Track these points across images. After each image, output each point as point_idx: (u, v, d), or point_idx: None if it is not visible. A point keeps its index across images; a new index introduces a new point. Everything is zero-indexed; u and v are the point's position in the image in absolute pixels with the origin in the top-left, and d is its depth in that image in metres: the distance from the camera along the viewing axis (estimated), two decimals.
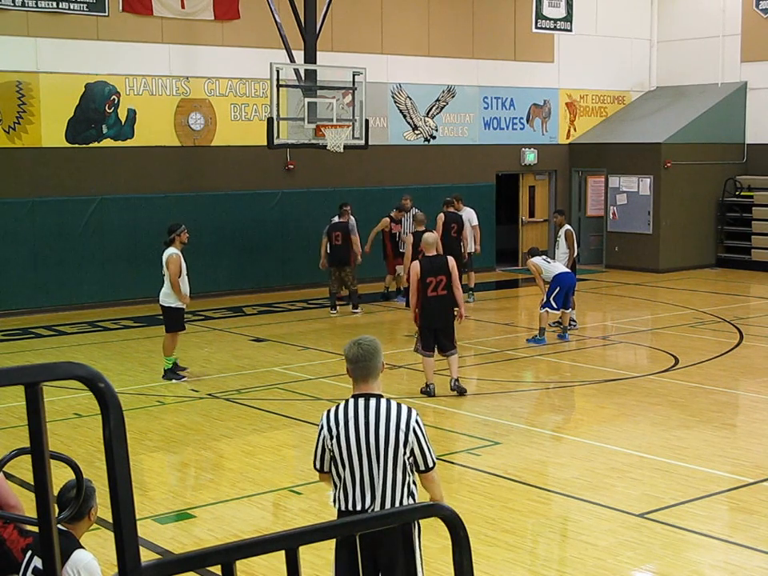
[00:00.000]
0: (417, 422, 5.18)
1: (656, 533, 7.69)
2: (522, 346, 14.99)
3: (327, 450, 5.21)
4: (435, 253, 11.79)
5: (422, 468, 5.20)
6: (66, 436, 10.23)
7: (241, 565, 1.75)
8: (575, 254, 16.21)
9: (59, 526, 4.67)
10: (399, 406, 5.23)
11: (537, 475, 9.19)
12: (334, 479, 5.24)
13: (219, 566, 1.71)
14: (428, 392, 11.86)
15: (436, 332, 11.76)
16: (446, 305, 11.67)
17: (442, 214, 17.56)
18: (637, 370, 13.55)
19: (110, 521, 1.60)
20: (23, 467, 6.95)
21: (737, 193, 23.59)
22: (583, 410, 11.84)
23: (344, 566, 5.15)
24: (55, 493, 4.15)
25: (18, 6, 17.11)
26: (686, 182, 22.88)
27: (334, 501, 5.28)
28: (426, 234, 12.12)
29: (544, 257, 15.60)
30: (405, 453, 5.13)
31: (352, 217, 17.92)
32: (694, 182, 22.99)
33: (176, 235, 12.80)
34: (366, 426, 5.14)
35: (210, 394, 12.23)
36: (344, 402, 5.28)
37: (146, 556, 1.86)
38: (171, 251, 12.76)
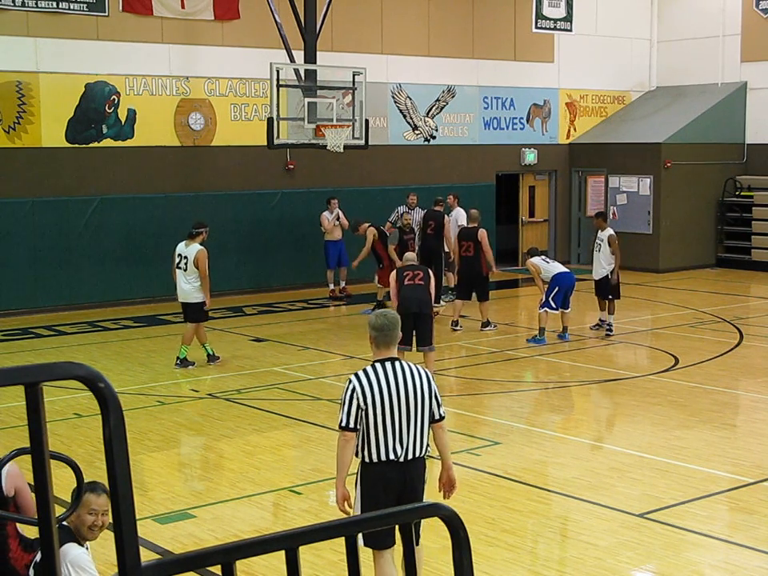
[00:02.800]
0: (432, 377, 6.11)
1: (656, 533, 7.69)
2: (522, 346, 14.99)
3: (360, 409, 5.86)
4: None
5: (437, 417, 6.03)
6: (65, 436, 10.23)
7: (241, 565, 1.75)
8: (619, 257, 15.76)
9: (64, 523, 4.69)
10: (415, 365, 6.10)
11: (537, 475, 9.19)
12: (363, 436, 5.90)
13: (219, 566, 1.71)
14: None
15: (415, 322, 11.84)
16: (421, 293, 11.87)
17: (422, 212, 18.03)
18: (637, 370, 13.55)
19: (110, 521, 1.60)
20: (23, 467, 6.94)
21: (737, 193, 23.59)
22: (583, 410, 11.85)
23: (371, 500, 5.91)
24: (57, 492, 4.15)
25: (18, 6, 17.11)
26: (686, 182, 22.88)
27: (363, 455, 5.94)
28: (407, 254, 13.23)
29: (543, 257, 15.60)
30: (430, 403, 5.96)
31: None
32: (694, 182, 22.99)
33: (204, 231, 13.29)
34: (396, 384, 5.90)
35: (210, 394, 12.23)
36: (370, 366, 6.00)
37: (146, 556, 1.86)
38: (199, 247, 13.14)
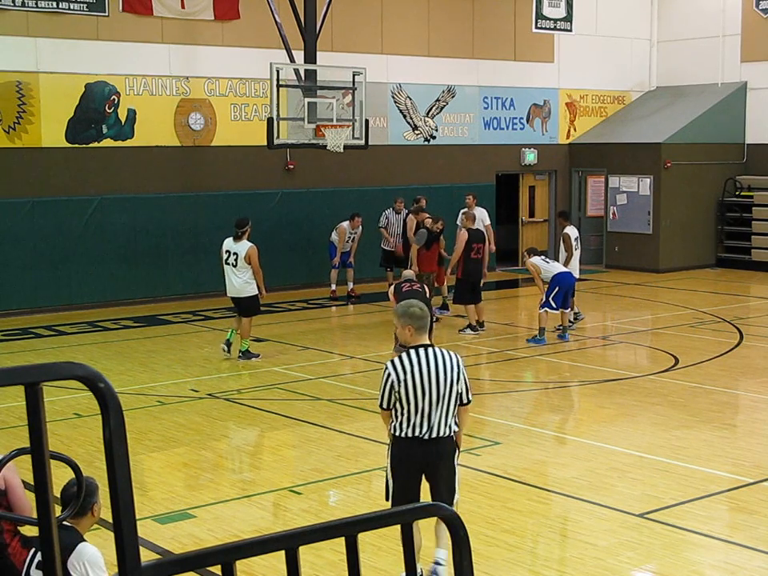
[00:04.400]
0: (462, 362, 6.53)
1: (656, 533, 7.69)
2: (522, 346, 14.99)
3: (394, 392, 6.35)
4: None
5: (464, 401, 6.53)
6: (65, 436, 10.23)
7: (241, 565, 1.74)
8: (571, 255, 16.16)
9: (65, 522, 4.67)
10: (447, 351, 6.54)
11: (537, 475, 9.19)
12: (396, 413, 6.41)
13: (219, 566, 1.71)
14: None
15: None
16: (421, 296, 11.87)
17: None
18: (637, 370, 13.55)
19: (110, 521, 1.60)
20: (23, 467, 6.94)
21: (737, 193, 23.59)
22: (583, 410, 11.85)
23: (402, 480, 6.45)
24: (56, 492, 4.15)
25: (18, 6, 17.10)
26: (686, 182, 22.88)
27: (394, 429, 6.44)
28: (405, 271, 13.83)
29: (543, 257, 15.60)
30: (458, 387, 6.42)
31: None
32: (694, 182, 22.99)
33: (249, 228, 13.72)
34: (427, 368, 6.35)
35: (209, 394, 12.23)
36: (405, 352, 6.42)
37: (146, 556, 1.86)
38: (249, 243, 13.64)
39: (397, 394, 6.38)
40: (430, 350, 6.46)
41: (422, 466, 6.46)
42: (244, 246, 13.60)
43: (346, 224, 18.88)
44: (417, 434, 6.40)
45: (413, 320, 6.44)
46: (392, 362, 6.47)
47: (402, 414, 6.42)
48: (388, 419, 6.55)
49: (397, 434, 6.47)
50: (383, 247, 19.05)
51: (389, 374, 6.43)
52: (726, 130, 23.58)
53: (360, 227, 18.89)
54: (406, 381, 6.36)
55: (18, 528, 5.55)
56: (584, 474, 9.10)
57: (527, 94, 23.56)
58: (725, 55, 23.93)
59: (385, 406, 6.51)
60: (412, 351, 6.44)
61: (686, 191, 22.89)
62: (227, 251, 13.75)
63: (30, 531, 5.44)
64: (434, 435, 6.41)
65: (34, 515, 1.66)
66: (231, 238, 13.79)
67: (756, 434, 10.41)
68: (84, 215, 18.01)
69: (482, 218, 18.59)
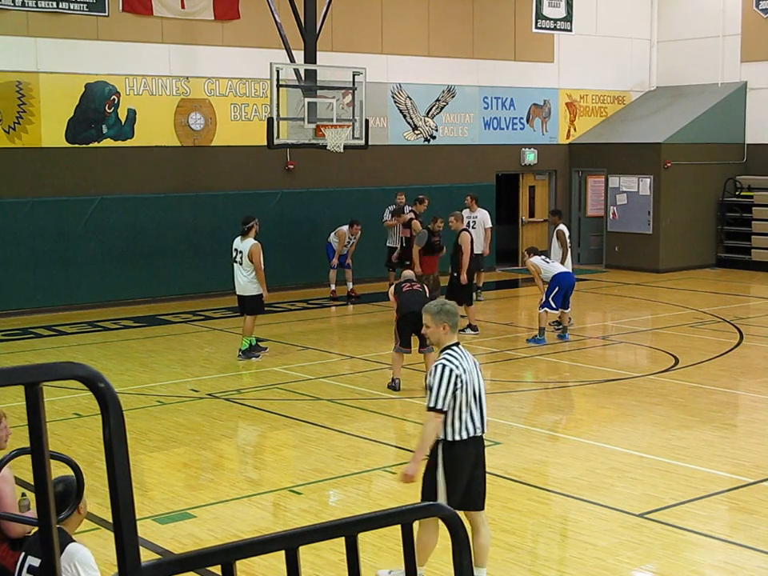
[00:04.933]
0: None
1: (656, 533, 7.69)
2: (522, 346, 14.99)
3: (457, 390, 6.25)
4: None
5: None
6: (65, 436, 10.23)
7: (241, 565, 1.74)
8: (567, 252, 16.16)
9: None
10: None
11: (537, 475, 9.19)
12: (454, 415, 6.28)
13: (219, 566, 1.71)
14: (393, 386, 12.23)
15: (414, 325, 11.66)
16: (421, 296, 12.01)
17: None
18: (637, 370, 13.55)
19: (110, 521, 1.60)
20: (23, 467, 6.94)
21: (737, 193, 23.59)
22: (583, 410, 11.84)
23: (460, 484, 6.37)
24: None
25: (18, 6, 17.10)
26: (686, 182, 22.88)
27: (450, 434, 6.29)
28: (405, 272, 13.30)
29: (543, 257, 15.59)
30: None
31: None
32: (694, 182, 22.99)
33: (254, 224, 13.74)
34: (473, 364, 6.48)
35: (209, 394, 12.23)
36: (450, 352, 6.37)
37: (146, 556, 1.86)
38: (253, 241, 13.66)
39: (459, 391, 6.28)
40: (462, 348, 6.50)
41: (473, 467, 6.45)
42: (248, 244, 13.68)
43: (345, 228, 18.88)
44: (475, 432, 6.38)
45: (448, 317, 6.44)
46: (447, 359, 6.35)
47: (464, 414, 6.33)
48: (440, 424, 6.32)
49: (455, 438, 6.35)
50: (389, 245, 19.02)
51: (451, 371, 6.29)
52: (726, 129, 23.58)
53: (359, 233, 18.92)
54: (465, 376, 6.31)
55: (6, 532, 5.55)
56: (584, 474, 9.10)
57: (527, 93, 23.56)
58: (725, 55, 23.93)
59: (443, 407, 6.29)
60: (456, 347, 6.43)
61: (686, 191, 22.90)
62: (235, 249, 13.90)
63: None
64: (486, 431, 6.51)
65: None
66: (239, 237, 13.92)
67: (756, 434, 10.41)
68: (84, 215, 18.01)
69: (484, 219, 18.60)
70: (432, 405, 6.28)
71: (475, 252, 16.13)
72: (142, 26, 18.46)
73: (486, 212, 18.88)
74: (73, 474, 4.93)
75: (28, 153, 17.56)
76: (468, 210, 18.40)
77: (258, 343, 14.28)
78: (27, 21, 17.31)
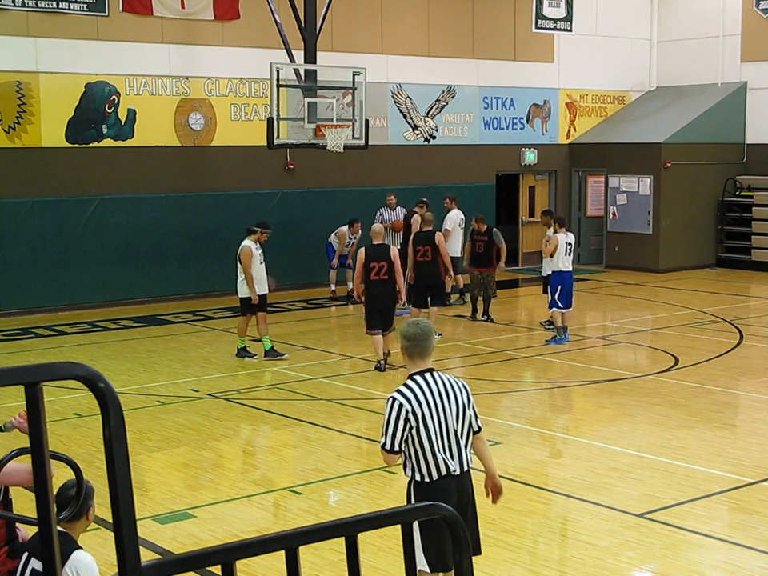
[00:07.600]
0: (469, 389, 5.79)
1: (656, 533, 7.69)
2: (522, 346, 14.99)
3: (410, 427, 5.50)
4: (381, 242, 13.39)
5: (476, 429, 5.75)
6: (65, 436, 10.23)
7: (241, 565, 1.75)
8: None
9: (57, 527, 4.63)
10: (448, 375, 5.77)
11: (537, 475, 9.18)
12: (415, 454, 5.55)
13: (219, 566, 1.71)
14: (379, 367, 13.11)
15: (381, 312, 13.19)
16: (387, 288, 13.07)
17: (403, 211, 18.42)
18: (637, 370, 13.55)
19: (110, 521, 1.60)
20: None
21: (737, 193, 23.59)
22: (583, 410, 11.84)
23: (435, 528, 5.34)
24: (55, 492, 4.14)
25: (18, 6, 17.10)
26: (686, 182, 22.88)
27: (415, 475, 5.60)
28: (374, 225, 13.92)
29: (567, 244, 15.17)
30: (469, 415, 5.67)
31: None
32: (693, 182, 22.99)
33: (260, 231, 13.95)
34: (440, 396, 5.57)
35: (209, 394, 12.23)
36: (408, 382, 5.62)
37: (146, 556, 1.86)
38: (244, 244, 13.89)
39: (414, 429, 5.52)
40: (435, 374, 5.67)
41: (457, 506, 5.42)
42: (241, 246, 13.91)
43: (345, 228, 18.86)
44: (451, 470, 5.60)
45: (408, 341, 5.66)
46: (398, 391, 5.60)
47: (428, 452, 5.55)
48: (393, 464, 5.70)
49: (427, 479, 5.59)
50: None
51: (400, 405, 5.52)
52: (726, 129, 23.58)
53: (360, 232, 18.88)
54: (422, 410, 5.52)
55: (14, 536, 5.52)
56: (584, 473, 9.10)
57: (527, 94, 23.56)
58: (725, 55, 23.93)
59: (395, 447, 5.55)
60: (418, 377, 5.63)
61: (686, 191, 22.90)
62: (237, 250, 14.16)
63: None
64: (464, 469, 5.67)
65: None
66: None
67: (756, 434, 10.41)
68: (84, 215, 18.01)
69: (457, 219, 18.33)
70: (381, 443, 5.62)
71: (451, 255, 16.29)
72: (142, 25, 18.45)
73: (459, 212, 18.54)
74: (88, 481, 4.92)
75: (28, 153, 17.56)
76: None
77: (248, 349, 14.26)
78: (27, 21, 17.30)
